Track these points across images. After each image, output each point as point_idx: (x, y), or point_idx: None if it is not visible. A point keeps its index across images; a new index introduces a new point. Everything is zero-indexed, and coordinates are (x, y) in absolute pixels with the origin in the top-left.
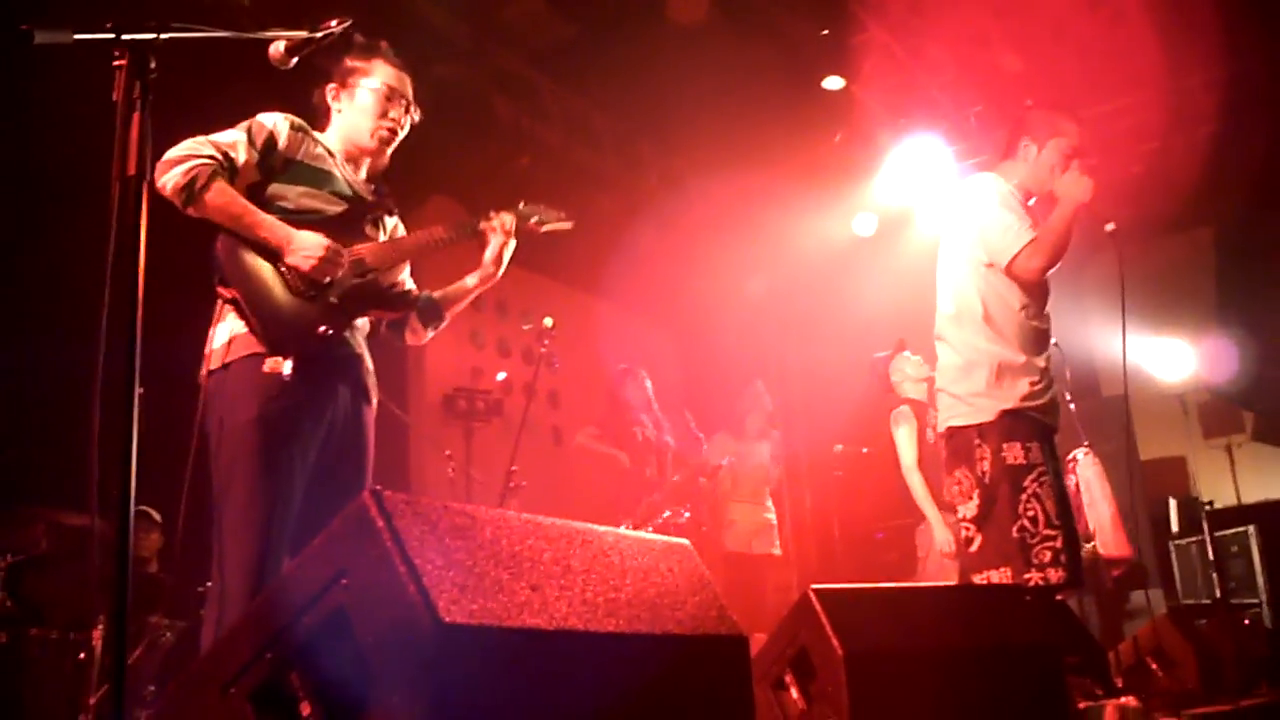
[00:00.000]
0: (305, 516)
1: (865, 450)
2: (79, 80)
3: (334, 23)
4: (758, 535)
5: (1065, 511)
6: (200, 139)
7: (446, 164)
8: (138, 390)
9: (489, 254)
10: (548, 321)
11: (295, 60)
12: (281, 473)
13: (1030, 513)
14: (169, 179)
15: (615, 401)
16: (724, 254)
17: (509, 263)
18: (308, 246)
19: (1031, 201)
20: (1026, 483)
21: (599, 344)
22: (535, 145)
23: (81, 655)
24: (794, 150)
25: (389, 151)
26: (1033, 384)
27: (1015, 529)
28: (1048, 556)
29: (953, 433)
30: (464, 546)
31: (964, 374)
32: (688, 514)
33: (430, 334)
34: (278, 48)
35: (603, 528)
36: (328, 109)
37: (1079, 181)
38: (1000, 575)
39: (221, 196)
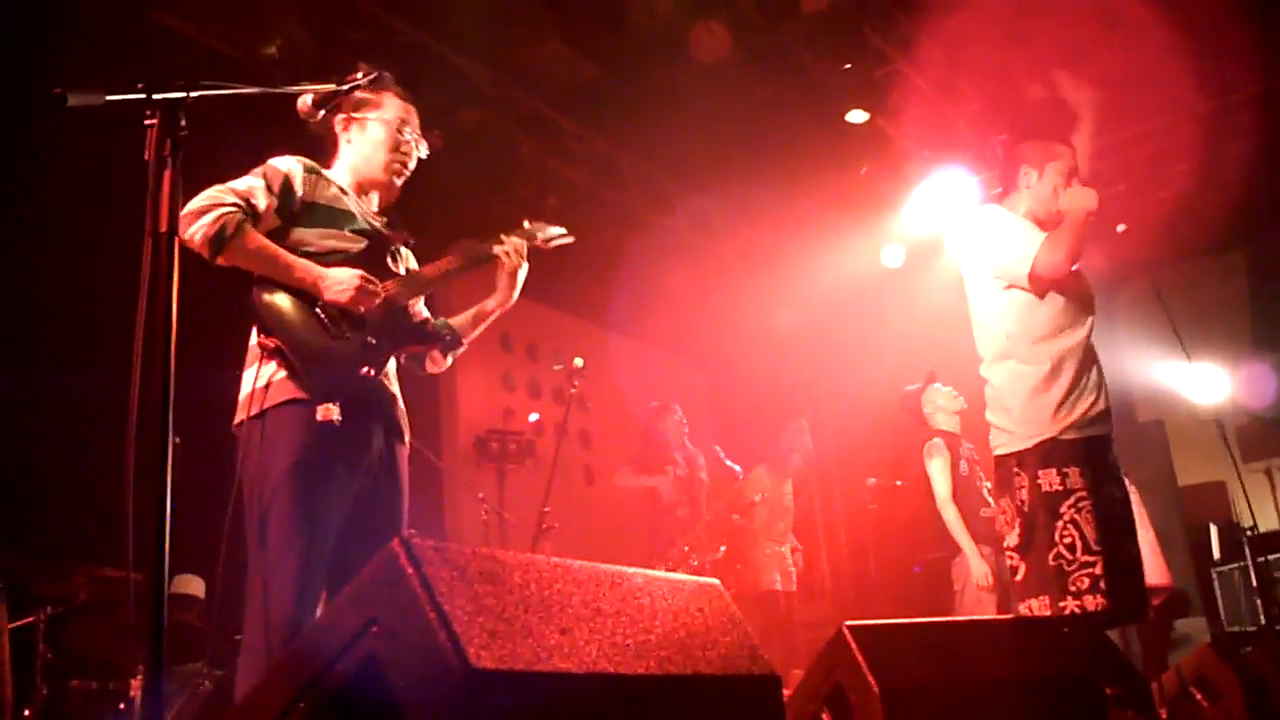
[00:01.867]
0: (342, 560)
1: (899, 483)
2: (111, 138)
3: (360, 75)
4: (785, 573)
5: (1111, 536)
6: (219, 188)
7: (473, 207)
8: (172, 441)
9: (503, 278)
10: (578, 362)
11: (323, 113)
12: (318, 520)
13: (1067, 539)
14: (197, 230)
15: (650, 438)
16: (752, 289)
17: (541, 304)
18: (343, 281)
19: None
20: (1063, 509)
21: (629, 383)
22: (562, 186)
23: (121, 705)
24: (820, 184)
25: (399, 183)
26: (1071, 403)
27: (1052, 556)
28: (1085, 583)
29: (998, 462)
30: (493, 592)
31: (999, 403)
32: (724, 549)
33: (448, 362)
34: (305, 101)
35: (632, 569)
36: (335, 141)
37: (1083, 192)
38: (1039, 604)
39: (252, 242)
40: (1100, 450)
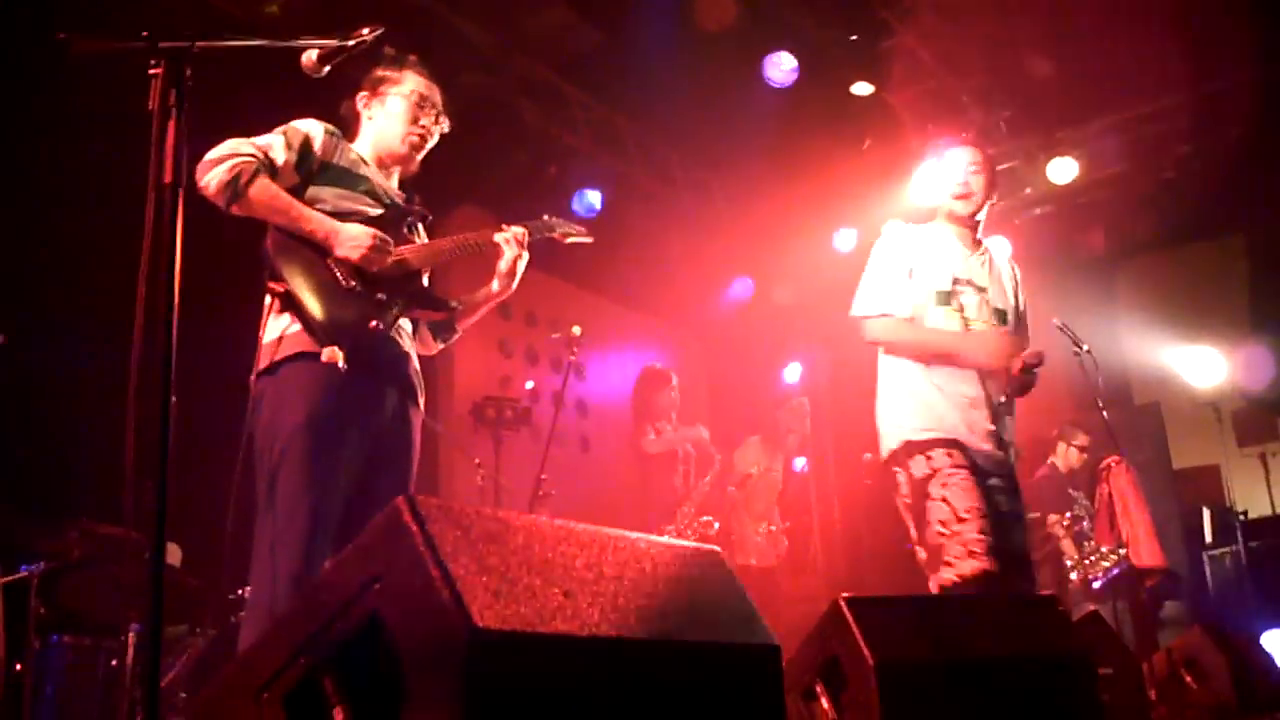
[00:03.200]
0: (349, 518)
1: None
2: (116, 88)
3: (365, 31)
4: (767, 549)
5: (980, 505)
6: (238, 140)
7: (475, 173)
8: (173, 398)
9: (503, 265)
10: (576, 330)
11: (327, 68)
12: (328, 476)
13: (940, 515)
14: (212, 177)
15: (643, 403)
16: (752, 261)
17: (541, 272)
18: (356, 236)
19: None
20: (931, 488)
21: (627, 352)
22: (563, 153)
23: (114, 662)
24: (823, 157)
25: (419, 158)
26: (932, 411)
27: (931, 536)
28: (959, 550)
29: (881, 470)
30: (497, 552)
31: (879, 406)
32: (717, 525)
33: (439, 346)
34: (310, 56)
35: (634, 534)
36: (358, 117)
37: (997, 348)
38: (932, 584)
39: (266, 192)
40: (965, 447)
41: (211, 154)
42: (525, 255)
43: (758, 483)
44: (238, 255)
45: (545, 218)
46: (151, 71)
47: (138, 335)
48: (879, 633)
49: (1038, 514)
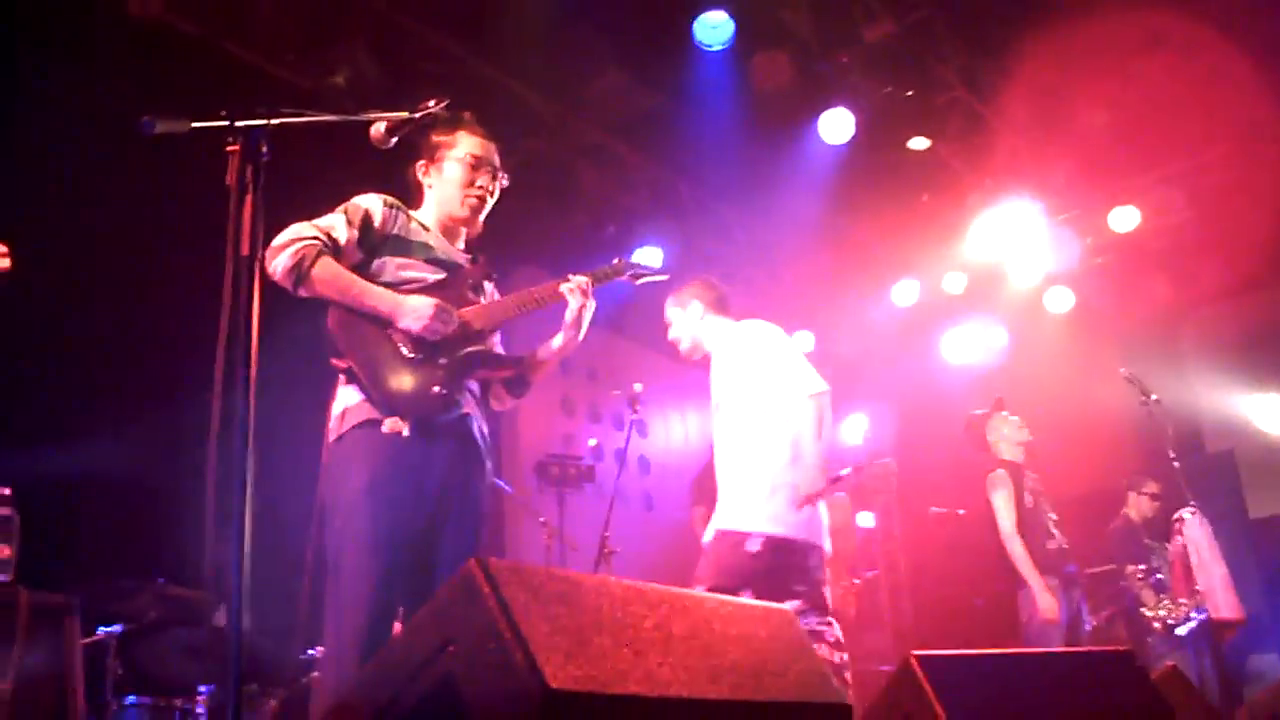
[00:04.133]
0: (416, 579)
1: (961, 512)
2: (193, 165)
3: (432, 102)
4: (846, 603)
5: None
6: (301, 224)
7: (535, 235)
8: (250, 465)
9: (569, 316)
10: (637, 387)
11: (395, 140)
12: (393, 538)
13: None
14: (278, 263)
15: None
16: (812, 316)
17: (602, 329)
18: (417, 309)
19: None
20: None
21: (688, 410)
22: (621, 214)
23: None
24: (880, 211)
25: (481, 218)
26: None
27: None
28: None
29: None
30: (568, 613)
31: None
32: None
33: (514, 401)
34: (379, 128)
35: (703, 593)
36: (420, 186)
37: None
38: None
39: (329, 272)
40: None
41: (277, 240)
42: (591, 304)
43: (836, 538)
44: (313, 324)
45: (615, 262)
46: (229, 149)
47: (215, 402)
48: (952, 690)
49: (1113, 565)
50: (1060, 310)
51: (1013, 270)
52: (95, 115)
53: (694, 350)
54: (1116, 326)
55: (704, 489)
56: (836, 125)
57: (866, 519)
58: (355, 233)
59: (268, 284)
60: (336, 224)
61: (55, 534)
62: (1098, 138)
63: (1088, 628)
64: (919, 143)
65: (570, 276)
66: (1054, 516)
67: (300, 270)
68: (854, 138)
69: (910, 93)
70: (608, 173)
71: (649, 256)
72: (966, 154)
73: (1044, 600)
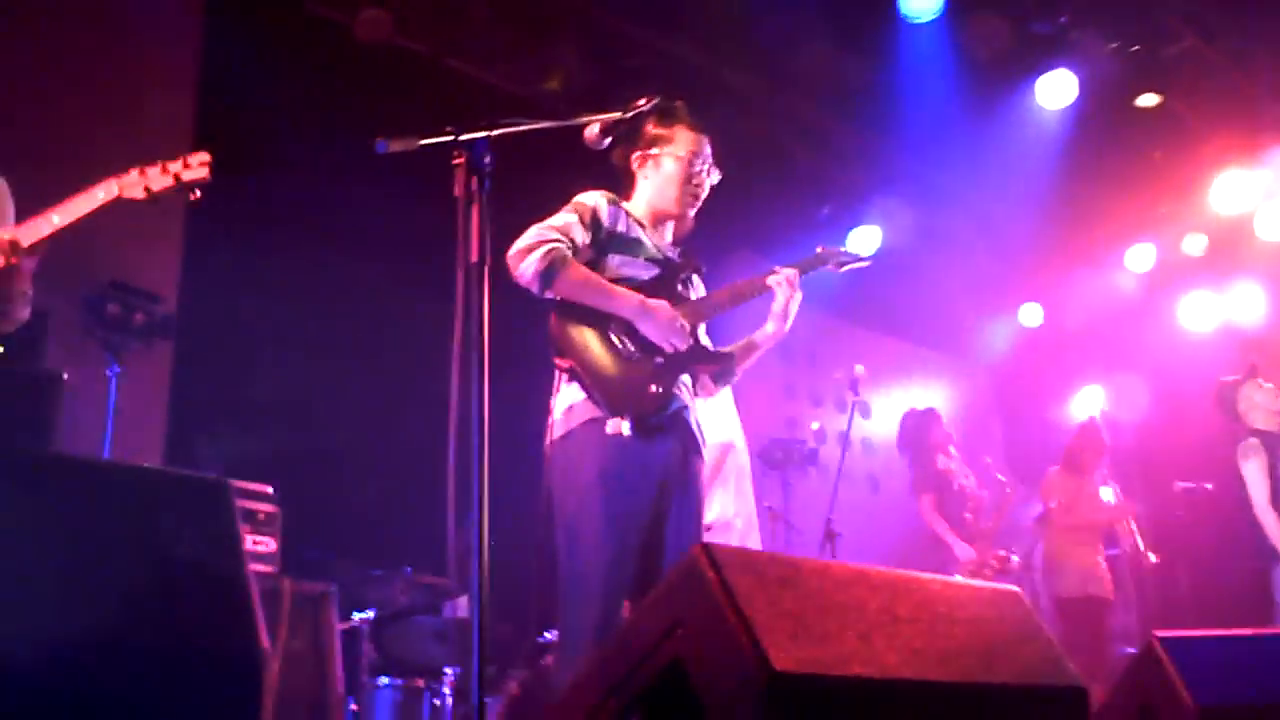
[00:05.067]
0: (643, 565)
1: (1209, 486)
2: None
3: (642, 101)
4: (1092, 578)
5: None
6: (540, 227)
7: (748, 219)
8: (486, 460)
9: (776, 308)
10: (859, 369)
11: (609, 140)
12: (621, 528)
13: None
14: (527, 266)
15: (920, 447)
16: (1043, 290)
17: (821, 312)
18: (661, 323)
19: None
20: None
21: (911, 389)
22: (836, 192)
23: (435, 701)
24: (1109, 174)
25: (692, 214)
26: None
27: None
28: None
29: None
30: (791, 596)
31: None
32: (1016, 558)
33: (720, 389)
34: (593, 130)
35: (928, 575)
36: (632, 175)
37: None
38: None
39: (577, 273)
40: None
41: (521, 243)
42: (798, 295)
43: (1062, 513)
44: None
45: (818, 250)
46: (455, 161)
47: (453, 402)
48: (1199, 674)
49: None
50: None
51: (1264, 227)
52: (321, 137)
53: None
54: None
55: (926, 475)
56: (1058, 88)
57: (1107, 494)
58: (589, 234)
59: (496, 288)
60: (572, 224)
61: (314, 526)
62: None
63: None
64: (1148, 99)
65: (777, 269)
66: None
67: (551, 272)
68: (1077, 99)
69: (1136, 47)
70: (820, 151)
71: (864, 238)
72: (1202, 107)
73: None
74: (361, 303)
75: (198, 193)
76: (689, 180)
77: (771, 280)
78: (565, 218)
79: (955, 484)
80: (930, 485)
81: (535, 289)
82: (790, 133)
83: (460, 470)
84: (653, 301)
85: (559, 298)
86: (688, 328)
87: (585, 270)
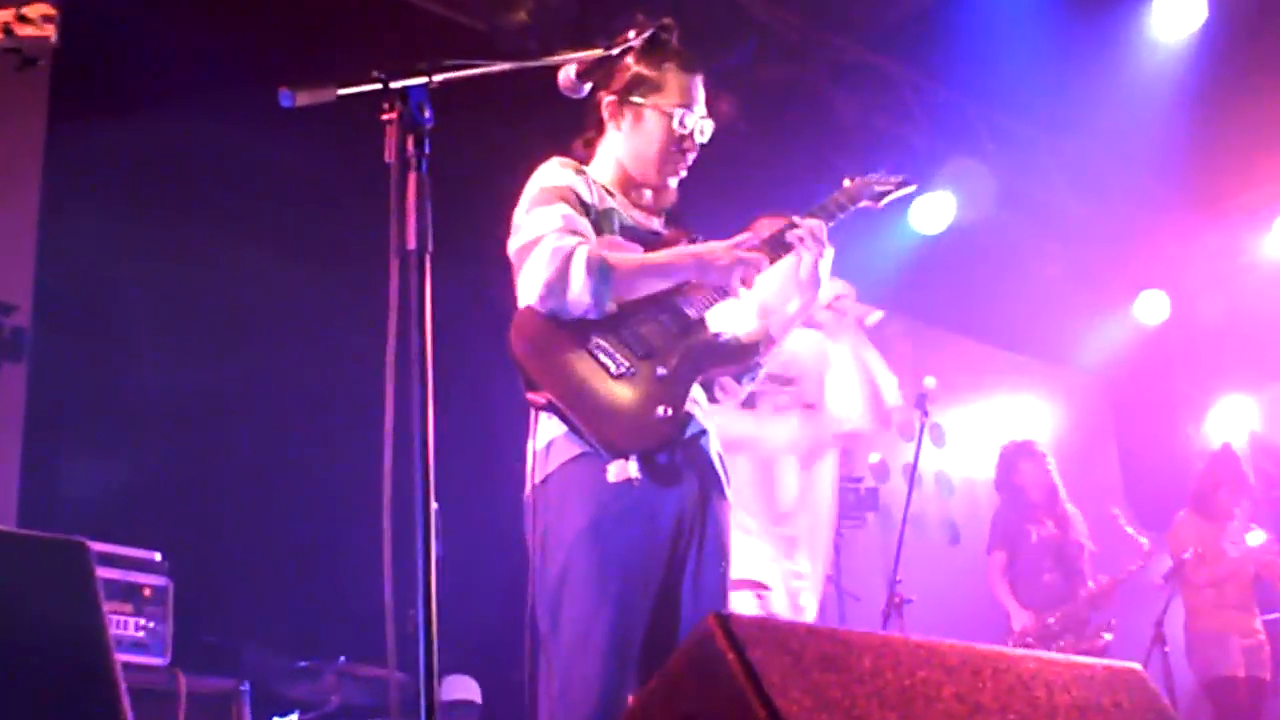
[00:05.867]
0: (652, 636)
1: None
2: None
3: (632, 34)
4: (1250, 653)
5: None
6: (545, 234)
7: (774, 186)
8: (432, 507)
9: (802, 272)
10: (929, 382)
11: (589, 86)
12: (622, 590)
13: None
14: (578, 292)
15: (1007, 488)
16: (1166, 274)
17: (876, 304)
18: (722, 263)
19: None
20: None
21: (996, 406)
22: (891, 149)
23: None
24: (1251, 123)
25: (674, 184)
26: None
27: None
28: None
29: None
30: (838, 682)
31: None
32: (1109, 635)
33: (747, 389)
34: (568, 74)
35: (1019, 651)
36: (600, 125)
37: None
38: None
39: (624, 265)
40: None
41: (537, 262)
42: (829, 252)
43: (1200, 566)
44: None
45: (845, 183)
46: (385, 117)
47: (387, 430)
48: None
49: None
50: None
51: None
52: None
53: None
54: None
55: (996, 527)
56: (1179, 12)
57: (1256, 538)
58: (587, 219)
59: (445, 282)
60: (572, 216)
61: (217, 604)
62: None
63: None
64: None
65: (795, 219)
66: None
67: (604, 284)
68: (1206, 23)
69: None
70: (869, 99)
71: (932, 209)
72: None
73: None
74: (275, 302)
75: (37, 60)
76: (675, 142)
77: (791, 236)
78: (560, 211)
79: (1033, 536)
80: (999, 540)
81: (593, 313)
82: (829, 74)
83: (399, 522)
84: (699, 246)
85: (618, 302)
86: (754, 257)
87: (622, 256)
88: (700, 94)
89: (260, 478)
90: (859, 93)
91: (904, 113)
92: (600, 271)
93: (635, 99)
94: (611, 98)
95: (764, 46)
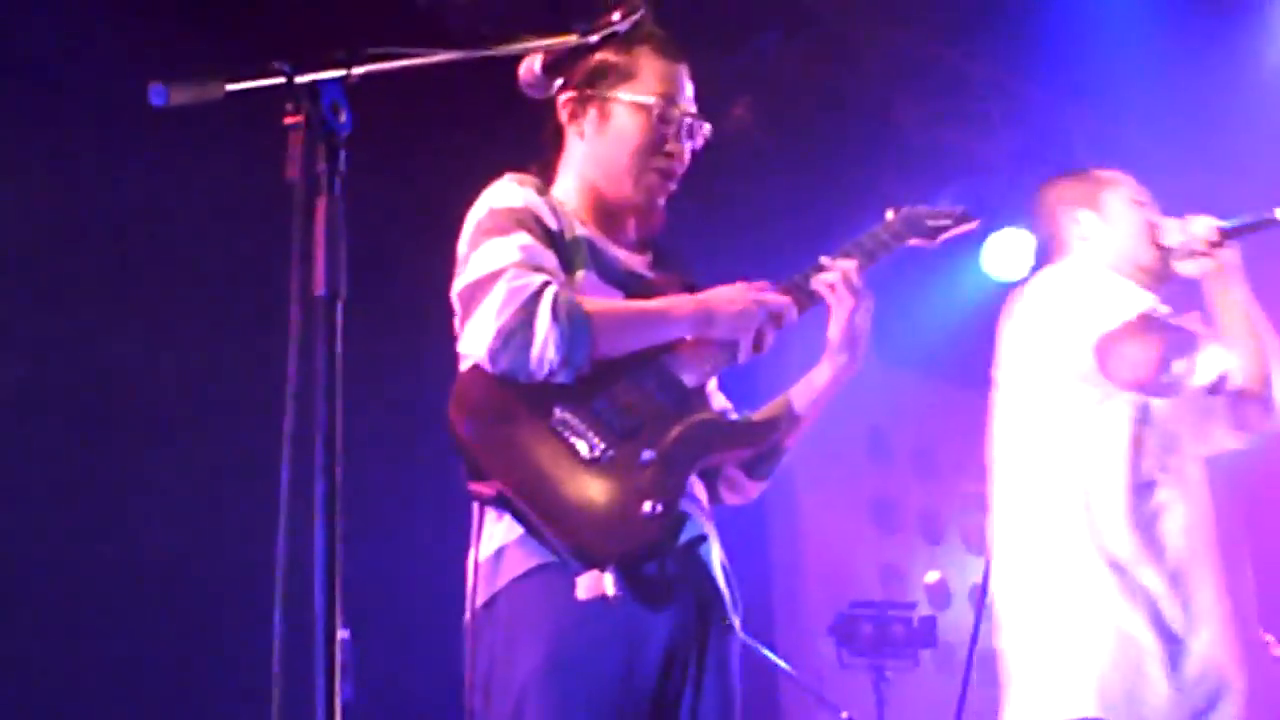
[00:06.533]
0: None
1: None
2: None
3: (616, 15)
4: None
5: None
6: (500, 274)
7: (813, 208)
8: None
9: (834, 331)
10: None
11: (559, 82)
12: None
13: None
14: (544, 346)
15: None
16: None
17: (935, 374)
18: (733, 309)
19: None
20: None
21: None
22: (955, 163)
23: None
24: None
25: (662, 202)
26: None
27: None
28: None
29: None
30: None
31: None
32: None
33: (760, 487)
34: (532, 66)
35: None
36: (561, 135)
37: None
38: None
39: (606, 312)
40: None
41: (487, 306)
42: (869, 302)
43: None
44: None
45: (888, 216)
46: (289, 120)
47: (281, 530)
48: None
49: None
50: None
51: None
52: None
53: None
54: None
55: None
56: None
57: None
58: (552, 250)
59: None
60: (532, 247)
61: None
62: None
63: None
64: None
65: (824, 260)
66: None
67: (580, 334)
68: None
69: None
70: (916, 90)
71: (1007, 246)
72: None
73: None
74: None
75: None
76: (655, 146)
77: (816, 282)
78: (518, 241)
79: None
80: None
81: (565, 375)
82: (885, 74)
83: (292, 654)
84: (706, 294)
85: (598, 359)
86: (779, 303)
87: (602, 302)
88: (687, 86)
89: (127, 587)
90: (900, 83)
91: (982, 123)
92: (573, 319)
93: (603, 90)
94: (572, 94)
95: (792, 35)
